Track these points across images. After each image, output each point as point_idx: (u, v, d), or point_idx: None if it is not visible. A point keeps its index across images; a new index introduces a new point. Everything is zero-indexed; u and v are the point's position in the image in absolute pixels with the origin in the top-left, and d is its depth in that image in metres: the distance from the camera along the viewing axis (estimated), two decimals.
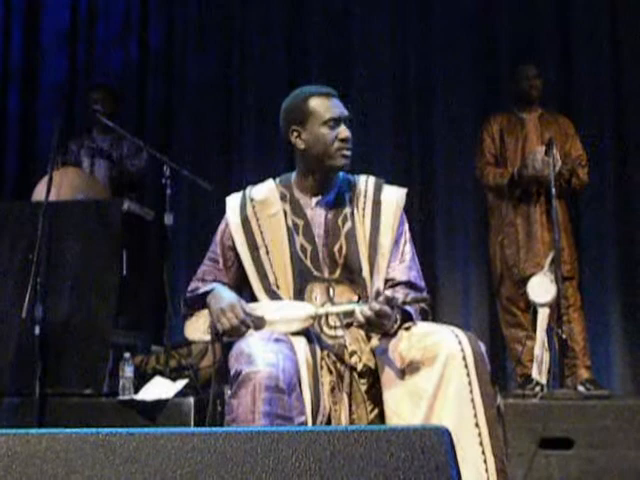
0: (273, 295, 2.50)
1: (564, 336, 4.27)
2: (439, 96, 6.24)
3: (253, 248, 2.55)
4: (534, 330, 4.54)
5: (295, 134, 2.56)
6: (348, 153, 2.55)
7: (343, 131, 2.53)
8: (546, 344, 4.35)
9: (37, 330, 3.94)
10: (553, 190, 4.45)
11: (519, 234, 4.90)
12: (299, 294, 2.48)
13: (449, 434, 1.26)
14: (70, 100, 6.52)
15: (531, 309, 4.53)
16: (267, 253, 2.54)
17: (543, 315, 4.37)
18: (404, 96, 6.28)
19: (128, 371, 3.94)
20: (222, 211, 5.77)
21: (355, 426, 1.45)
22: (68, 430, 1.25)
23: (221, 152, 6.39)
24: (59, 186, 4.45)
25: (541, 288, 4.40)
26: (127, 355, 3.96)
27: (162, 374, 4.08)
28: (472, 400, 2.19)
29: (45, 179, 4.36)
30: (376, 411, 2.35)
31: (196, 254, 5.81)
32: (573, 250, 4.93)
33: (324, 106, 2.55)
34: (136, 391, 3.92)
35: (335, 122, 2.53)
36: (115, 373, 4.02)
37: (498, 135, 5.04)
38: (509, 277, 4.94)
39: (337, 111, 2.55)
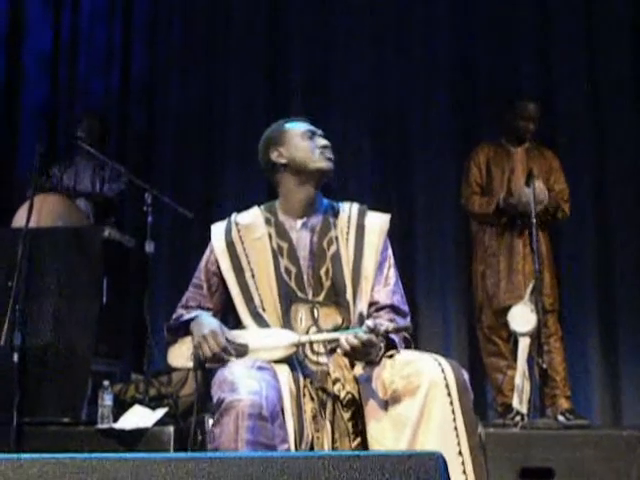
0: (259, 318, 2.50)
1: (544, 366, 4.29)
2: (417, 124, 6.28)
3: (238, 271, 2.57)
4: (515, 359, 4.55)
5: (276, 153, 2.66)
6: (331, 156, 2.66)
7: (321, 140, 2.67)
8: (527, 373, 4.36)
9: (15, 357, 3.89)
10: (534, 221, 4.49)
11: (500, 264, 4.92)
12: (284, 315, 2.48)
13: (444, 460, 1.26)
14: (52, 126, 6.51)
15: (512, 338, 4.55)
16: (252, 276, 2.56)
17: (524, 345, 4.38)
18: (382, 124, 6.32)
19: (107, 399, 3.89)
20: (203, 238, 5.76)
21: (350, 452, 1.44)
22: (61, 455, 1.24)
23: (202, 180, 6.40)
24: (39, 212, 4.42)
25: (522, 318, 4.42)
26: (106, 383, 3.92)
27: (141, 402, 4.04)
28: (455, 428, 2.19)
29: (25, 205, 4.34)
30: (359, 439, 2.34)
31: (177, 282, 5.87)
32: (555, 282, 4.95)
33: (298, 124, 2.71)
34: (115, 420, 3.88)
35: (311, 133, 2.67)
36: (94, 401, 3.97)
37: (485, 165, 5.08)
38: (489, 307, 4.96)
39: (311, 126, 2.71)
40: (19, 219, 4.51)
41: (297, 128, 2.69)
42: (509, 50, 6.23)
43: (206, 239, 5.32)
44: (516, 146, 5.10)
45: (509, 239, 4.93)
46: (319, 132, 2.71)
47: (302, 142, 2.65)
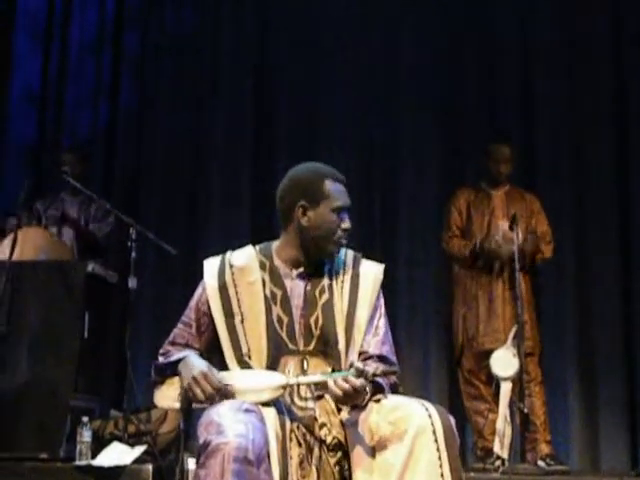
0: (245, 365, 2.48)
1: (526, 410, 4.29)
2: (403, 169, 6.33)
3: (228, 315, 2.53)
4: (495, 403, 4.55)
5: (301, 210, 2.55)
6: (345, 243, 2.60)
7: (347, 222, 2.57)
8: (508, 418, 4.36)
9: None
10: (517, 265, 4.51)
11: (480, 308, 4.94)
12: (272, 366, 2.46)
13: None
14: (38, 161, 6.50)
15: (494, 382, 4.55)
16: (242, 321, 2.52)
17: (506, 389, 4.39)
18: (368, 169, 6.36)
19: (86, 436, 3.86)
20: (186, 275, 5.74)
21: None
22: None
23: (188, 216, 6.40)
24: (22, 246, 4.40)
25: (504, 362, 4.43)
26: (85, 419, 3.89)
27: (120, 439, 4.01)
28: (442, 475, 2.19)
29: (8, 238, 4.33)
30: None
31: (159, 318, 5.86)
32: (535, 326, 4.98)
33: (338, 192, 2.58)
34: (93, 456, 3.84)
35: (343, 211, 2.57)
36: (72, 437, 3.94)
37: (465, 209, 5.11)
38: (470, 349, 4.97)
39: (347, 201, 2.60)
40: (1, 252, 4.48)
41: (335, 198, 2.55)
42: (494, 93, 6.30)
43: (189, 275, 5.29)
44: (495, 189, 5.14)
45: (489, 282, 4.96)
46: (350, 206, 2.60)
47: (331, 217, 2.54)
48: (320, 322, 2.52)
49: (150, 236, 4.45)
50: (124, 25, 6.85)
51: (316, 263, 2.61)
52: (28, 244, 4.55)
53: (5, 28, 6.79)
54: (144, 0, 6.91)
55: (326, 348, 2.50)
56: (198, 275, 2.69)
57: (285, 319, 2.52)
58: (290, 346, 2.49)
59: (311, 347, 2.50)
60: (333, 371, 2.45)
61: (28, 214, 5.17)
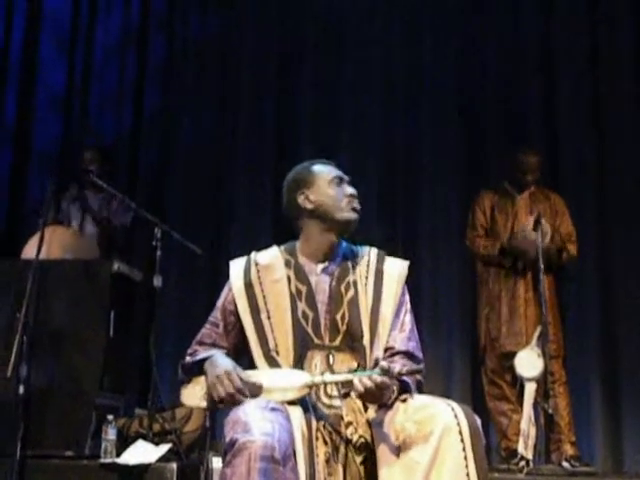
0: (272, 361, 2.50)
1: (550, 411, 4.28)
2: (425, 171, 6.33)
3: (255, 312, 2.57)
4: (519, 404, 4.54)
5: (303, 197, 2.64)
6: (358, 207, 2.66)
7: (349, 188, 2.67)
8: (533, 419, 4.34)
9: (21, 389, 3.88)
10: (541, 266, 4.50)
11: (503, 309, 4.93)
12: (299, 361, 2.48)
13: None
14: (63, 162, 6.54)
15: (518, 383, 4.54)
16: (268, 318, 2.55)
17: (530, 389, 4.37)
18: (390, 171, 6.36)
19: (111, 433, 3.88)
20: (211, 274, 5.75)
21: None
22: None
23: (211, 216, 6.43)
24: (49, 244, 4.43)
25: (528, 363, 4.41)
26: (110, 417, 3.91)
27: (145, 438, 4.03)
28: (467, 474, 2.18)
29: (35, 238, 4.35)
30: None
31: (184, 317, 5.89)
32: (559, 327, 4.96)
33: (327, 168, 2.70)
34: (118, 454, 3.86)
35: (339, 180, 2.66)
36: (97, 435, 3.96)
37: (489, 210, 5.11)
38: (492, 350, 4.96)
39: (339, 172, 2.70)
40: (29, 251, 4.52)
41: (326, 173, 2.67)
42: (517, 93, 6.29)
43: (214, 274, 5.30)
44: (520, 192, 5.13)
45: (512, 283, 4.95)
46: (346, 179, 2.70)
47: (330, 189, 2.64)
48: (346, 318, 2.54)
49: (175, 235, 4.48)
50: (149, 28, 6.89)
51: (337, 254, 2.65)
52: (55, 243, 4.58)
53: (31, 32, 6.84)
54: (168, 4, 6.95)
55: (352, 343, 2.52)
56: (222, 274, 2.71)
57: (310, 314, 2.54)
58: (316, 341, 2.52)
59: (337, 342, 2.52)
60: (358, 367, 2.47)
61: (54, 213, 5.21)
